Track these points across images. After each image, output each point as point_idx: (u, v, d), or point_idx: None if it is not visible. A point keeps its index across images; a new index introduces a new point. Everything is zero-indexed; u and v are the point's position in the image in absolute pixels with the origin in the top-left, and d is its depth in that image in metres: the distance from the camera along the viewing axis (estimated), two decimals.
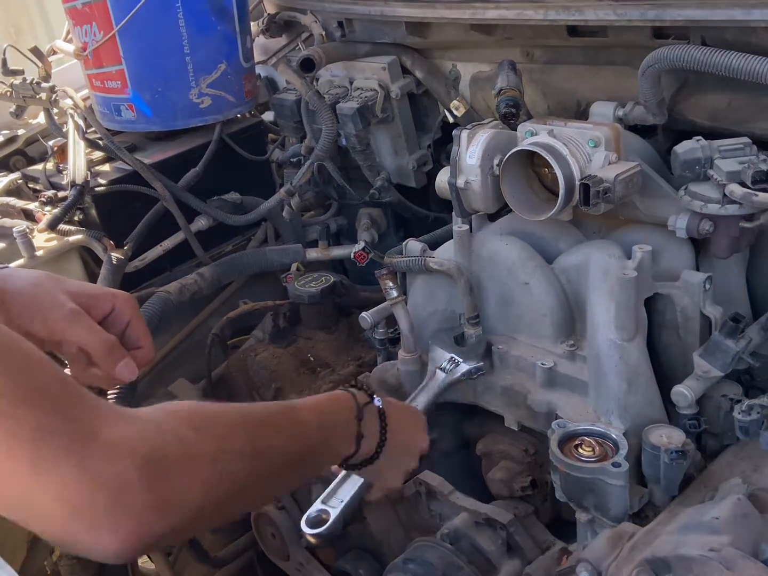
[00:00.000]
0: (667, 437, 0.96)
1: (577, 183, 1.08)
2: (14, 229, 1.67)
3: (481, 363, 1.18)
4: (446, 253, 1.25)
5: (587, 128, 1.13)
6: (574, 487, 0.95)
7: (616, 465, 0.92)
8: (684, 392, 0.99)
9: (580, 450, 0.96)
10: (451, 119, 1.64)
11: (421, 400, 1.18)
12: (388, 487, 1.05)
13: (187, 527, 0.71)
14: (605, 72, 1.31)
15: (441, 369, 1.20)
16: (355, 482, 1.04)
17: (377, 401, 0.99)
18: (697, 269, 1.13)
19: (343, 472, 1.04)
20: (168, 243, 1.87)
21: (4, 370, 0.59)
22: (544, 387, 1.14)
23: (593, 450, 0.95)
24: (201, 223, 1.89)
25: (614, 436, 0.97)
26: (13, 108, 2.02)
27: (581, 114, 1.34)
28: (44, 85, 1.93)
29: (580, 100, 1.33)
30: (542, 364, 1.14)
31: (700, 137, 1.07)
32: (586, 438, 0.97)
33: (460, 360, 1.19)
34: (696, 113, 1.20)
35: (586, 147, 1.11)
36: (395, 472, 1.03)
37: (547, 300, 1.17)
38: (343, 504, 1.02)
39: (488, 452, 1.26)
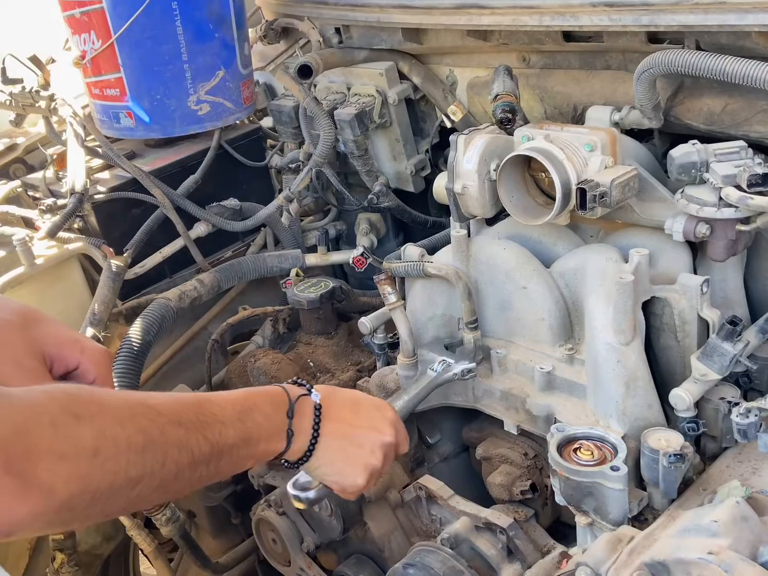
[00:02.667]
0: (666, 440, 0.96)
1: (574, 187, 1.08)
2: (14, 237, 1.67)
3: (473, 365, 1.18)
4: (444, 258, 1.26)
5: (583, 133, 1.13)
6: (574, 490, 0.95)
7: (614, 468, 0.92)
8: (682, 395, 1.00)
9: (579, 454, 0.96)
10: (448, 124, 1.65)
11: (406, 397, 1.17)
12: (350, 485, 0.97)
13: (59, 517, 0.67)
14: (601, 76, 1.31)
15: (432, 369, 1.20)
16: None
17: (315, 396, 0.94)
18: (695, 272, 1.13)
19: None
20: (167, 250, 1.87)
21: None
22: (542, 391, 1.15)
23: (592, 454, 0.95)
24: (200, 229, 1.89)
25: (613, 440, 0.97)
26: (12, 116, 2.03)
27: (578, 118, 1.34)
28: (43, 93, 1.94)
29: (577, 105, 1.34)
30: (541, 368, 1.14)
31: (695, 141, 1.07)
32: (584, 442, 0.98)
33: (451, 361, 1.20)
34: (692, 117, 1.21)
35: (582, 151, 1.11)
36: (351, 469, 0.96)
37: (545, 304, 1.17)
38: None
39: (488, 456, 1.27)
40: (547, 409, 1.12)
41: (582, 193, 1.05)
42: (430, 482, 1.22)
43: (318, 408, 0.93)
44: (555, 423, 1.06)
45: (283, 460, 0.93)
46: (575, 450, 0.97)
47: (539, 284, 1.18)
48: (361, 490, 0.99)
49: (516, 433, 1.19)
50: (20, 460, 0.61)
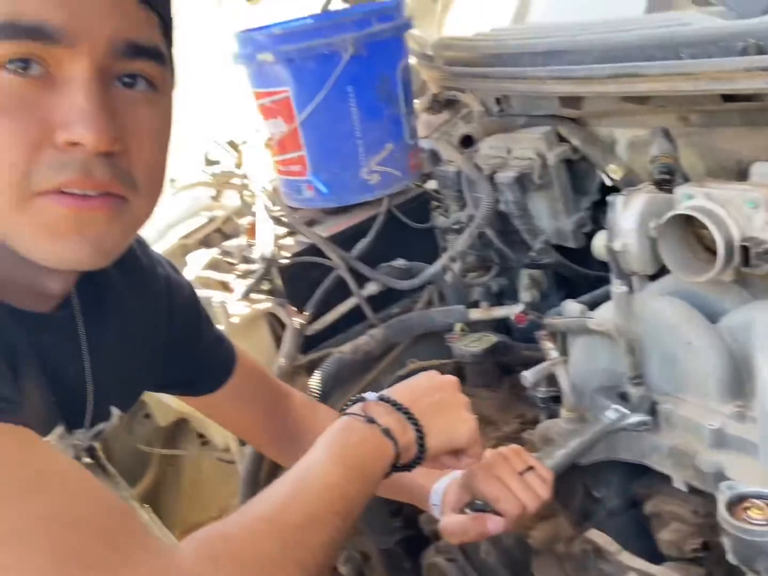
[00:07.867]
0: None
1: (737, 245, 1.09)
2: (212, 299, 1.91)
3: (648, 417, 1.19)
4: (606, 314, 1.29)
5: (746, 189, 1.14)
6: (745, 550, 0.94)
7: None
8: None
9: (750, 513, 0.95)
10: (609, 182, 1.68)
11: (578, 440, 1.18)
12: (464, 434, 0.99)
13: None
14: (766, 132, 1.30)
15: (605, 416, 1.21)
16: None
17: (370, 395, 0.92)
18: None
19: None
20: (342, 307, 2.03)
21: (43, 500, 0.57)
22: (712, 448, 1.13)
23: (763, 512, 0.94)
24: (371, 288, 2.03)
25: None
26: (213, 193, 2.33)
27: (741, 174, 1.33)
28: (237, 171, 2.21)
29: (740, 161, 1.33)
30: (710, 425, 1.13)
31: None
32: (756, 501, 0.97)
33: (626, 411, 1.21)
34: None
35: (745, 208, 1.12)
36: (455, 415, 0.98)
37: (712, 359, 1.17)
38: None
39: (658, 513, 1.26)
40: (717, 466, 1.11)
41: (745, 251, 1.06)
42: (598, 536, 1.23)
43: (381, 397, 0.92)
44: (725, 480, 1.05)
45: (405, 465, 0.90)
46: (746, 509, 0.96)
47: (705, 339, 1.18)
48: (476, 439, 1.00)
49: (685, 490, 1.18)
50: None
